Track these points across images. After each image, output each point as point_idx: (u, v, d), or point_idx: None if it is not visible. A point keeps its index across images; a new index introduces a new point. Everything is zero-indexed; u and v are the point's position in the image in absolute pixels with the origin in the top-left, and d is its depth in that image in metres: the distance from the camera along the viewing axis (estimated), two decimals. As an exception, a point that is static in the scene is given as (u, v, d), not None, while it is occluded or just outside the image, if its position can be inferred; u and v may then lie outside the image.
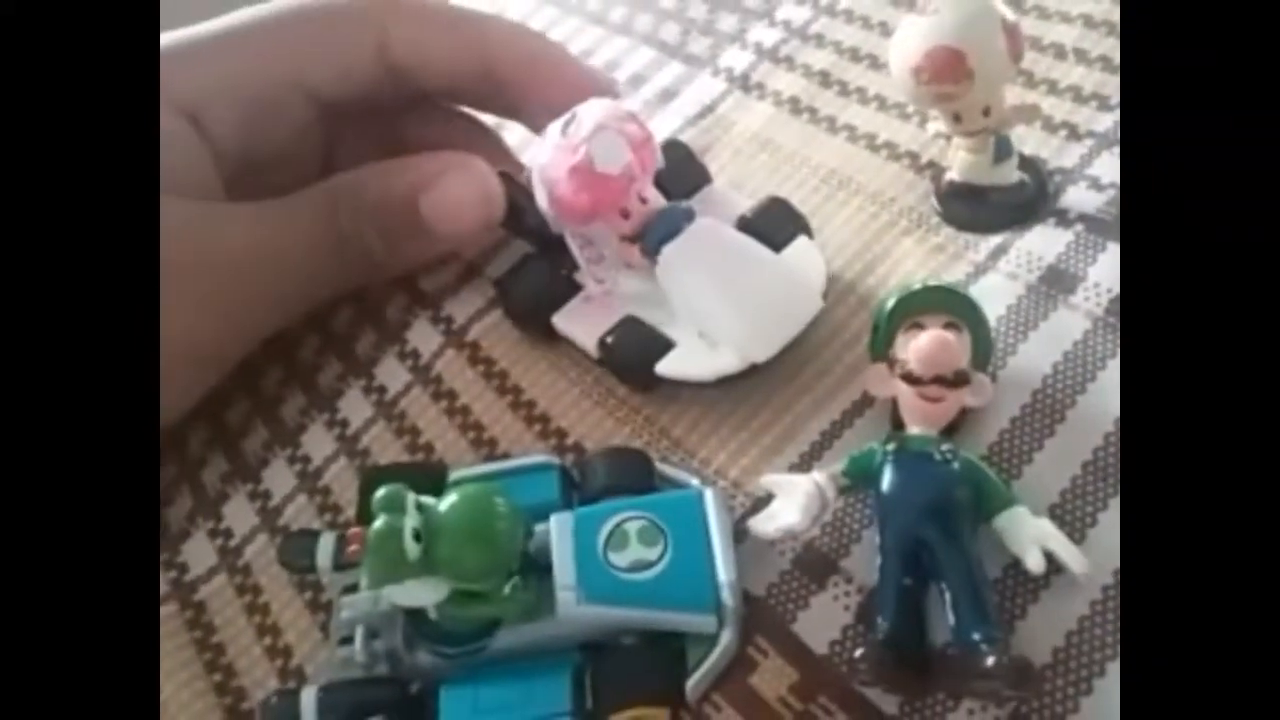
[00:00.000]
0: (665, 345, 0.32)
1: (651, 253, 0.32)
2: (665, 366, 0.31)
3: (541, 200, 0.32)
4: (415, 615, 0.26)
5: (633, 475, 0.29)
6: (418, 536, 0.23)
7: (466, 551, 0.23)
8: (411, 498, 0.24)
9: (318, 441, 0.36)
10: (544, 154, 0.31)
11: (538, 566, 0.26)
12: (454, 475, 0.30)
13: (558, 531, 0.26)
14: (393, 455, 0.34)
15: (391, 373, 0.37)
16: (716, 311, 0.31)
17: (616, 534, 0.26)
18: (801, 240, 0.33)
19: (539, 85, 0.38)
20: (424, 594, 0.24)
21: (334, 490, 0.34)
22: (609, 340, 0.32)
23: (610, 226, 0.32)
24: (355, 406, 0.37)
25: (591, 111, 0.31)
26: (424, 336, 0.38)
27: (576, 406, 0.33)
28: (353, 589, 0.27)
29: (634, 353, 0.32)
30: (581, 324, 0.34)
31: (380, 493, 0.23)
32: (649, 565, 0.25)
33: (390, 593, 0.24)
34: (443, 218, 0.33)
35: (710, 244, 0.32)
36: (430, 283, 0.39)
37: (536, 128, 0.36)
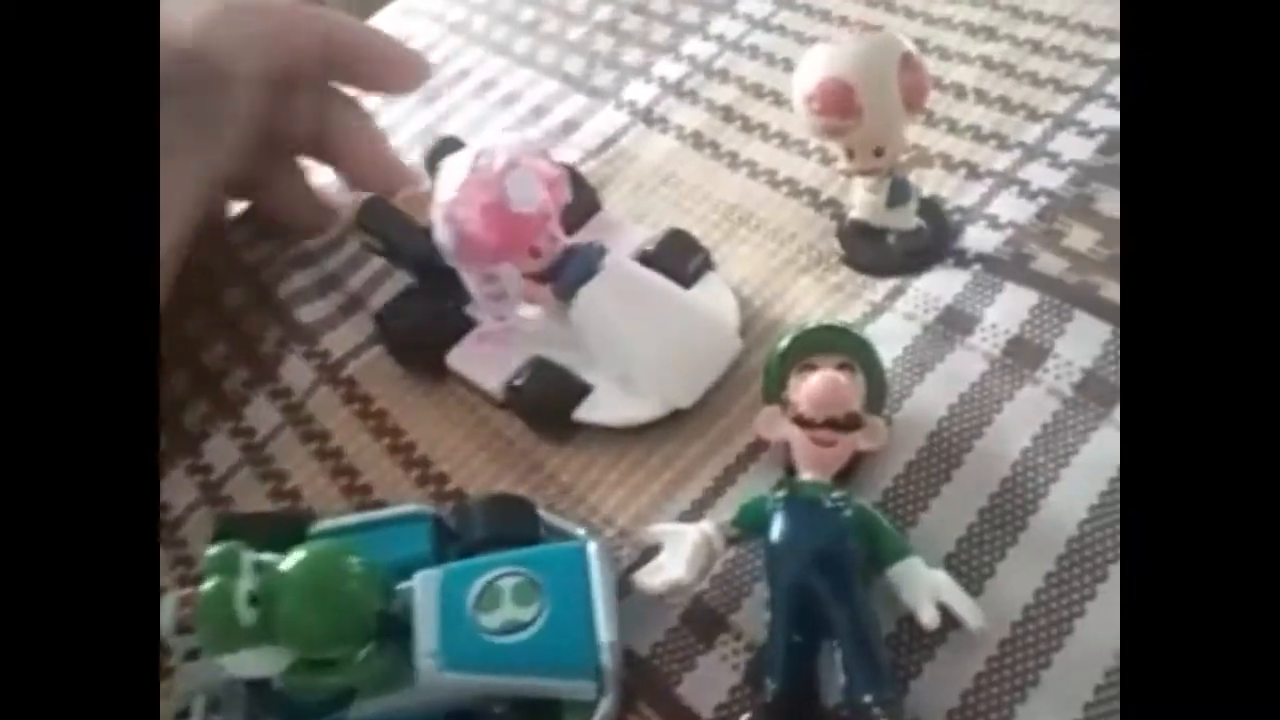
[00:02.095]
0: (581, 389, 0.30)
1: (566, 294, 0.30)
2: (585, 413, 0.30)
3: (444, 236, 0.29)
4: (258, 686, 0.23)
5: (514, 525, 0.27)
6: (254, 600, 0.21)
7: (309, 616, 0.21)
8: (248, 557, 0.21)
9: (178, 489, 0.33)
10: (449, 189, 0.28)
11: (401, 629, 0.24)
12: (317, 527, 0.27)
13: (422, 591, 0.24)
14: (255, 503, 0.32)
15: (261, 414, 0.34)
16: (638, 356, 0.29)
17: (488, 592, 0.24)
18: (710, 276, 0.32)
19: (365, 60, 0.38)
20: (262, 664, 0.21)
21: (190, 543, 0.31)
22: (519, 383, 0.30)
23: (518, 265, 0.30)
24: (221, 451, 0.34)
25: (503, 147, 0.29)
26: (297, 373, 0.35)
27: (460, 450, 0.31)
28: (195, 655, 0.25)
29: (549, 397, 0.30)
30: (481, 364, 0.32)
31: (211, 551, 0.21)
32: (523, 626, 0.23)
33: (226, 662, 0.21)
34: None
35: (627, 284, 0.30)
36: (308, 314, 0.37)
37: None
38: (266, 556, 0.23)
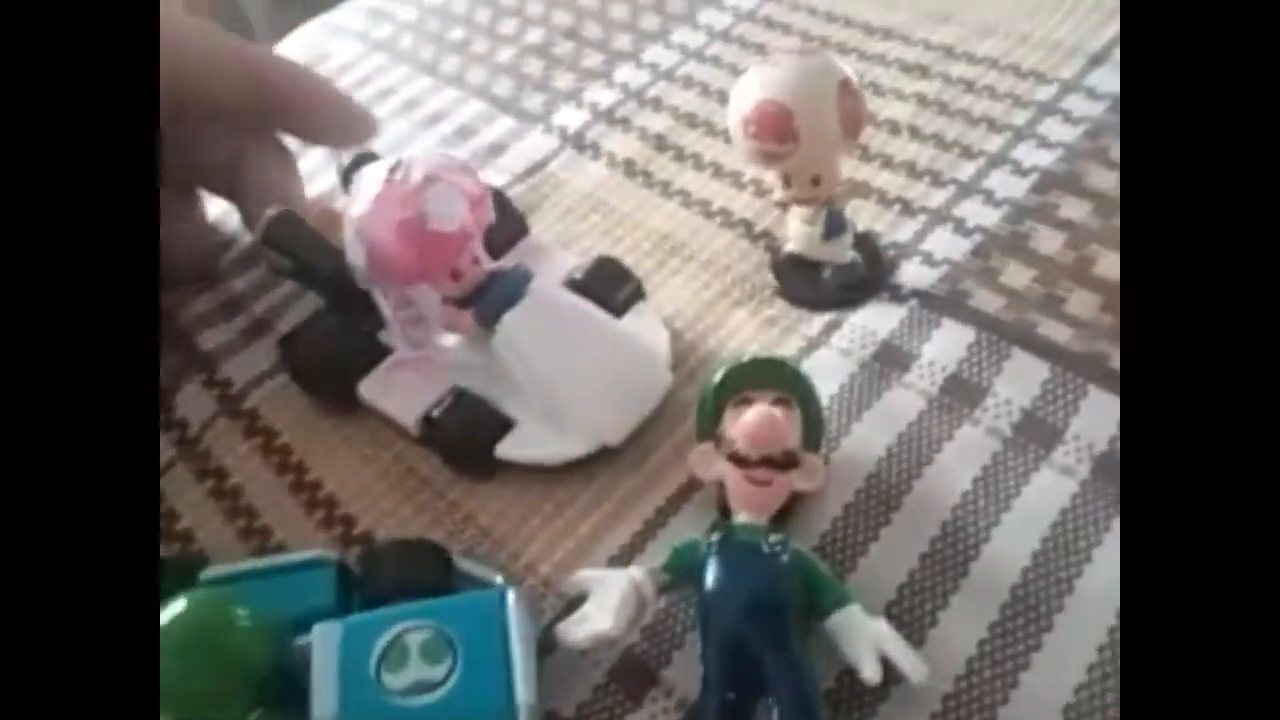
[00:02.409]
0: (504, 423, 0.28)
1: (488, 321, 0.28)
2: (508, 449, 0.28)
3: (357, 255, 0.27)
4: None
5: (425, 573, 0.24)
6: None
7: (187, 676, 0.18)
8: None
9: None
10: (364, 203, 0.26)
11: (297, 690, 0.21)
12: (208, 573, 0.25)
13: (320, 646, 0.21)
14: (142, 546, 0.29)
15: (153, 446, 0.32)
16: (565, 388, 0.27)
17: (395, 648, 0.21)
18: (641, 306, 0.31)
19: (305, 112, 0.35)
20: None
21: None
22: (436, 416, 0.28)
23: (437, 288, 0.28)
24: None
25: (421, 160, 0.27)
26: (195, 403, 0.32)
27: (370, 489, 0.29)
28: None
29: (469, 432, 0.28)
30: (396, 395, 0.30)
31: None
32: (432, 686, 0.21)
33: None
34: None
35: (554, 314, 0.28)
36: (208, 340, 0.34)
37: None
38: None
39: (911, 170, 0.35)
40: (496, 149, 0.41)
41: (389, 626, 0.22)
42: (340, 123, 0.35)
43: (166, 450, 0.31)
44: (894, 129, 0.37)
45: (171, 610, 0.19)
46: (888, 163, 0.36)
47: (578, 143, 0.41)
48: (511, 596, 0.23)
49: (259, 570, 0.25)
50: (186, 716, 0.19)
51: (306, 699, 0.21)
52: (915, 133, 0.37)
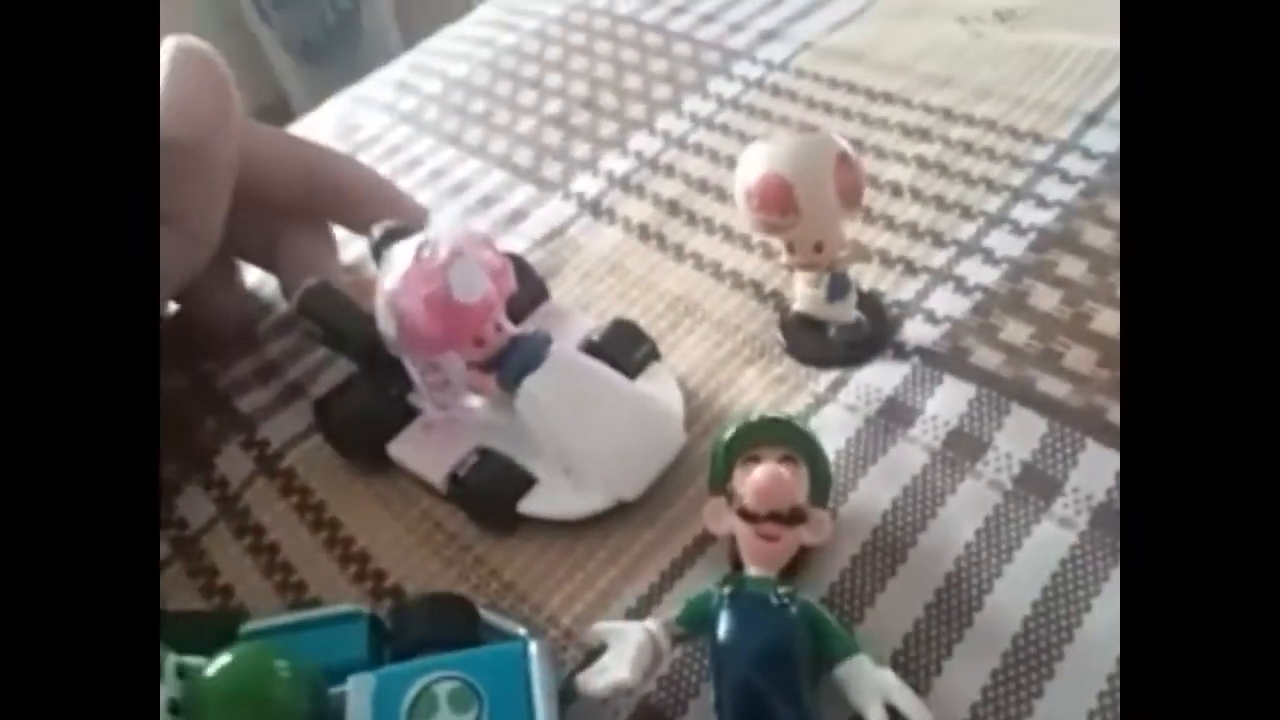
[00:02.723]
0: (526, 481, 0.29)
1: (510, 384, 0.29)
2: (530, 505, 0.29)
3: (387, 325, 0.29)
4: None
5: (453, 626, 0.26)
6: (175, 709, 0.19)
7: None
8: (172, 661, 0.20)
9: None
10: (394, 279, 0.28)
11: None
12: (248, 627, 0.26)
13: (354, 697, 0.23)
14: (185, 600, 0.30)
15: (194, 504, 0.33)
16: (584, 447, 0.29)
17: (424, 698, 0.23)
18: (656, 367, 0.33)
19: (355, 204, 0.38)
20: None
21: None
22: (462, 474, 0.30)
23: (462, 355, 0.30)
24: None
25: (447, 237, 0.29)
26: (234, 463, 0.34)
27: (399, 544, 0.30)
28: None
29: (493, 489, 0.30)
30: (424, 454, 0.31)
31: (131, 657, 0.19)
32: (464, 729, 0.22)
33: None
34: None
35: (573, 376, 0.30)
36: (247, 403, 0.36)
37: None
38: (191, 660, 0.22)
39: (913, 231, 0.37)
40: (518, 216, 0.44)
41: (419, 677, 0.23)
42: (390, 215, 0.35)
43: (208, 508, 0.33)
44: (896, 191, 0.39)
45: (219, 663, 0.21)
46: (890, 224, 0.38)
47: (594, 209, 0.43)
48: (534, 648, 0.24)
49: (296, 624, 0.26)
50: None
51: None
52: (916, 194, 0.39)
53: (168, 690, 0.19)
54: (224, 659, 0.20)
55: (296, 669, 0.21)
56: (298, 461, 0.34)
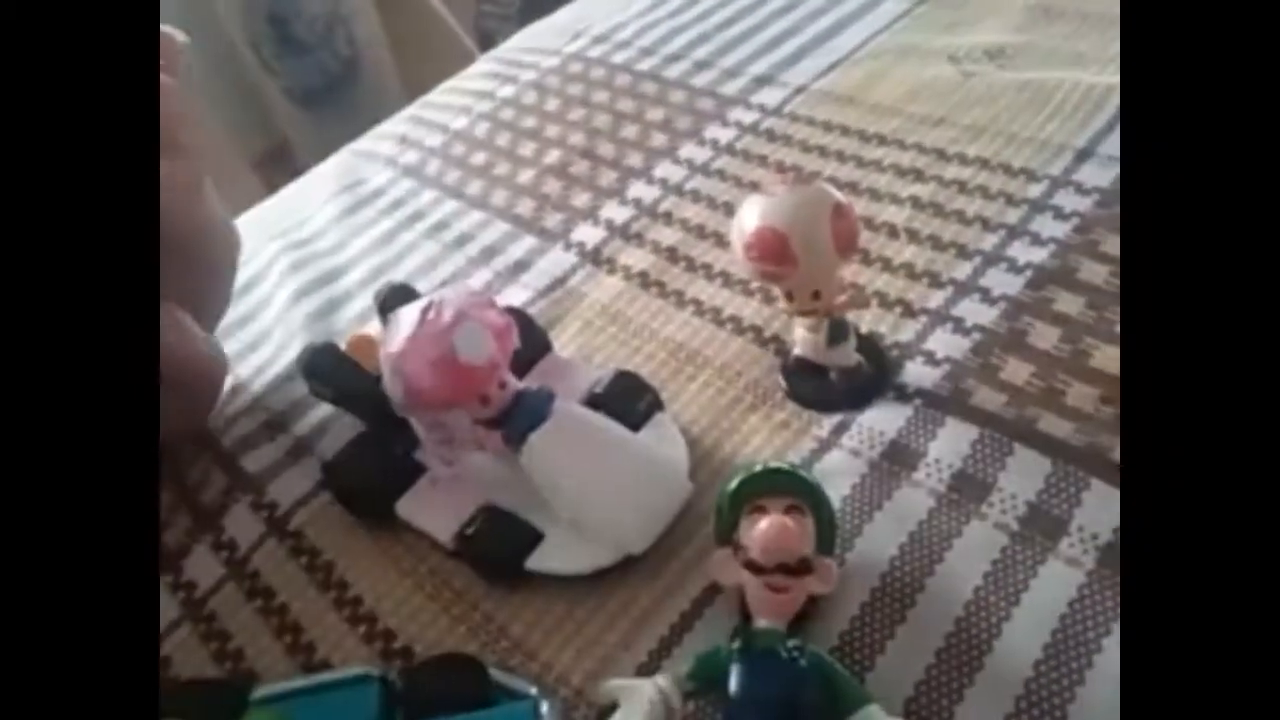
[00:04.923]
0: (533, 536, 0.30)
1: (515, 441, 0.30)
2: (538, 562, 0.29)
3: (394, 387, 0.29)
4: None
5: (464, 687, 0.26)
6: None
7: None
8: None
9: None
10: (399, 341, 0.29)
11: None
12: (259, 693, 0.26)
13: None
14: (197, 664, 0.30)
15: (203, 566, 0.33)
16: (590, 501, 0.29)
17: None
18: (660, 417, 0.33)
19: None
20: None
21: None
22: (470, 532, 0.30)
23: (468, 412, 0.30)
24: (161, 607, 0.33)
25: (451, 299, 0.29)
26: (243, 525, 0.34)
27: (408, 603, 0.30)
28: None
29: (500, 546, 0.30)
30: (431, 512, 0.32)
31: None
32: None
33: None
34: None
35: (577, 430, 0.30)
36: (253, 462, 0.36)
37: None
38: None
39: (910, 272, 0.37)
40: (520, 267, 0.44)
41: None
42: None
43: (216, 569, 0.33)
44: (892, 232, 0.39)
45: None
46: (887, 265, 0.38)
47: (595, 258, 0.43)
48: (545, 708, 0.24)
49: (307, 688, 0.26)
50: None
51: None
52: (912, 235, 0.39)
53: None
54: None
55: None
56: (306, 522, 0.34)
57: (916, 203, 0.41)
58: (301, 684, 0.27)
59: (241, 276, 0.49)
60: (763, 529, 0.25)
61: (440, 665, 0.26)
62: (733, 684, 0.24)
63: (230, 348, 0.44)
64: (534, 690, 0.26)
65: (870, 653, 0.26)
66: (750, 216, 0.30)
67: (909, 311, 0.36)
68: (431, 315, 0.28)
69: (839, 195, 0.30)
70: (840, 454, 0.31)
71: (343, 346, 0.34)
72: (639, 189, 0.47)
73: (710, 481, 0.31)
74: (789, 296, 0.31)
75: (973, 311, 0.35)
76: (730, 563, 0.26)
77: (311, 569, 0.32)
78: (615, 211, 0.46)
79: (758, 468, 0.27)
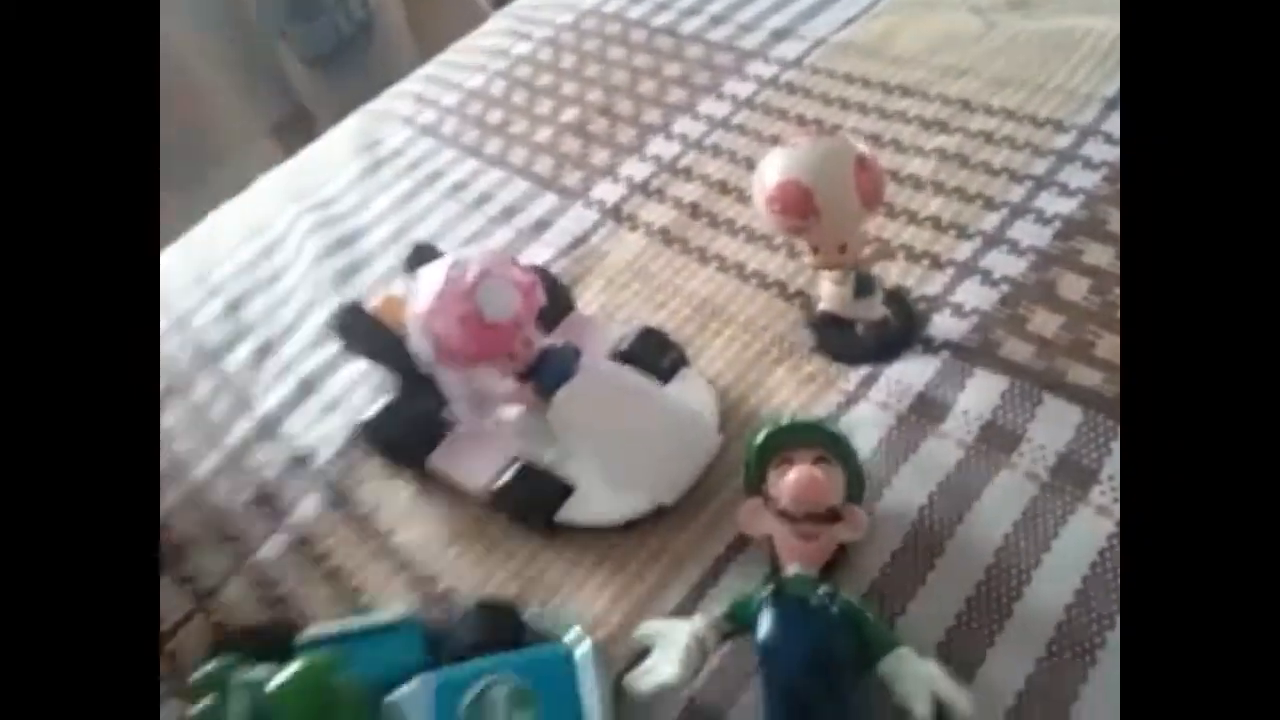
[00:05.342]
0: (564, 489, 0.30)
1: (545, 394, 0.30)
2: (569, 513, 0.30)
3: (421, 345, 0.30)
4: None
5: (503, 631, 0.26)
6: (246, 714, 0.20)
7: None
8: (239, 676, 0.21)
9: (166, 601, 0.33)
10: (426, 300, 0.29)
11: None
12: (306, 635, 0.27)
13: (414, 702, 0.23)
14: (247, 613, 0.31)
15: (250, 521, 0.34)
16: (620, 454, 0.30)
17: (480, 701, 0.23)
18: (686, 372, 0.33)
19: None
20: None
21: (176, 656, 0.31)
22: (500, 485, 0.31)
23: (496, 369, 0.31)
24: (211, 560, 0.34)
25: (477, 259, 0.29)
26: (287, 481, 0.35)
27: (447, 551, 0.31)
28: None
29: (531, 499, 0.30)
30: (464, 465, 0.32)
31: (199, 673, 0.20)
32: (520, 727, 0.23)
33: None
34: None
35: (604, 386, 0.31)
36: (292, 421, 0.37)
37: None
38: (257, 672, 0.22)
39: (937, 224, 0.37)
40: (541, 225, 0.44)
41: (475, 681, 0.24)
42: None
43: (264, 525, 0.34)
44: (917, 184, 0.39)
45: (283, 677, 0.21)
46: (913, 218, 0.38)
47: (616, 215, 0.43)
48: (583, 650, 0.25)
49: (352, 632, 0.27)
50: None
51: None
52: (939, 187, 0.39)
53: (237, 706, 0.20)
54: (289, 672, 0.21)
55: (356, 679, 0.22)
56: (346, 475, 0.35)
57: (942, 155, 0.40)
58: (347, 628, 0.27)
59: (263, 240, 0.50)
60: (792, 478, 0.25)
61: (480, 609, 0.27)
62: (764, 630, 0.24)
63: (256, 309, 0.45)
64: (573, 634, 0.26)
65: (901, 599, 0.26)
66: (772, 170, 0.30)
67: (936, 264, 0.35)
68: (456, 274, 0.29)
69: (862, 147, 0.29)
70: (868, 406, 0.31)
71: (370, 307, 0.35)
72: (658, 145, 0.46)
73: (738, 435, 0.31)
74: (814, 250, 0.31)
75: (1001, 263, 0.35)
76: (760, 512, 0.26)
77: (353, 519, 0.33)
78: (635, 168, 0.45)
79: (785, 420, 0.27)
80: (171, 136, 0.52)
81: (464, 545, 0.31)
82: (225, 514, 0.35)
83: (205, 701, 0.20)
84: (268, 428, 0.38)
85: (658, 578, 0.28)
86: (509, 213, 0.46)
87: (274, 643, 0.26)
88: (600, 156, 0.47)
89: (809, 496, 0.25)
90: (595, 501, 0.30)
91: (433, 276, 0.29)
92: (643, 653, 0.25)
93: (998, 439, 0.29)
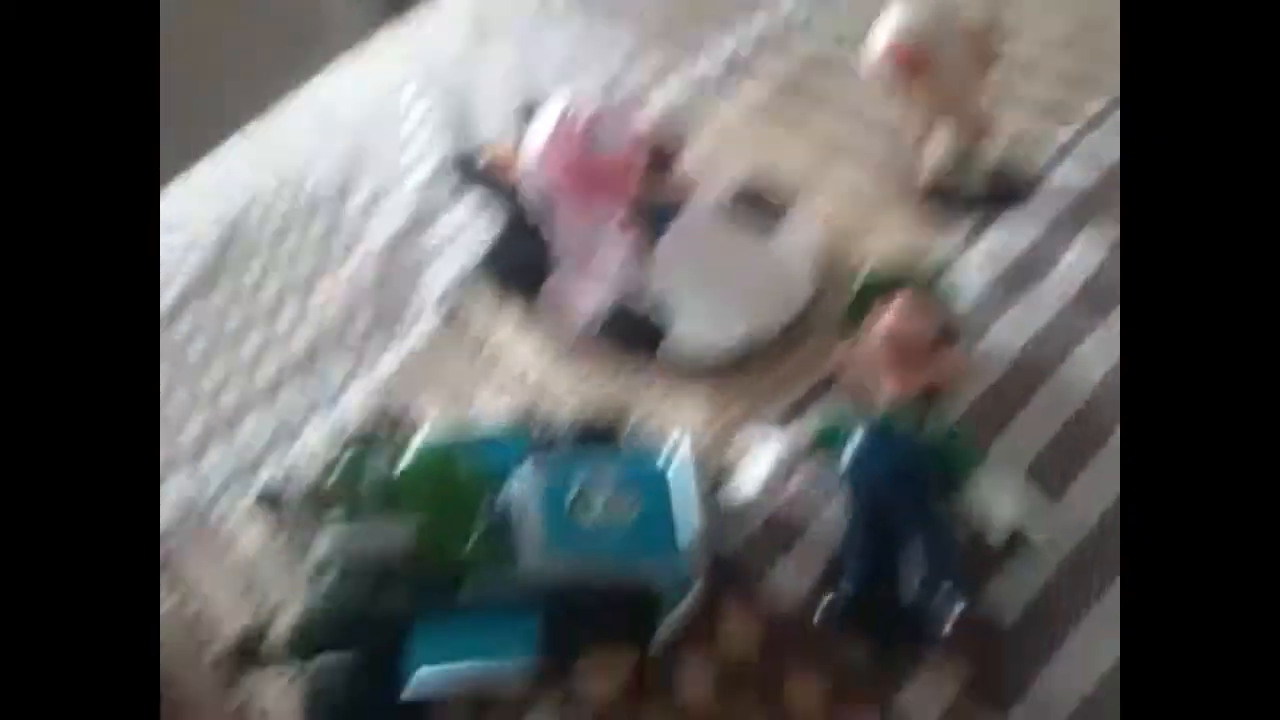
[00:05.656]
0: (664, 326, 0.32)
1: (650, 239, 0.32)
2: (668, 348, 0.31)
3: (535, 187, 0.31)
4: (385, 560, 0.25)
5: (606, 438, 0.28)
6: (379, 489, 0.23)
7: (425, 508, 0.23)
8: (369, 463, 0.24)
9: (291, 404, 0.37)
10: (537, 143, 0.30)
11: (506, 525, 0.26)
12: (422, 441, 0.29)
13: (523, 489, 0.25)
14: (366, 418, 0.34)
15: (376, 343, 0.38)
16: (718, 294, 0.31)
17: (585, 492, 0.26)
18: (791, 218, 0.34)
19: None
20: (391, 535, 0.24)
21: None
22: (606, 320, 0.32)
23: (604, 211, 0.32)
24: (334, 368, 0.37)
25: (587, 102, 0.31)
26: (405, 309, 0.38)
27: (551, 375, 0.33)
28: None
29: (636, 330, 0.32)
30: (571, 300, 0.34)
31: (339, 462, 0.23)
32: (620, 519, 0.25)
33: (356, 532, 0.24)
34: None
35: (708, 232, 0.32)
36: (407, 255, 0.40)
37: None
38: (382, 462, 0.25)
39: (1063, 78, 0.36)
40: (659, 73, 0.44)
41: (579, 475, 0.26)
42: None
43: (387, 341, 0.37)
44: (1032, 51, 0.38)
45: (408, 460, 0.24)
46: (1032, 71, 0.37)
47: (733, 66, 0.43)
48: (682, 453, 0.27)
49: (466, 442, 0.29)
50: (426, 540, 0.24)
51: (510, 529, 0.25)
52: (1070, 41, 0.37)
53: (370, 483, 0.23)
54: (412, 459, 0.24)
55: (476, 465, 0.24)
56: (461, 301, 0.37)
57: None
58: (460, 437, 0.30)
59: (378, 88, 0.51)
60: (892, 312, 0.26)
61: (584, 420, 0.29)
62: (854, 451, 0.25)
63: (376, 150, 0.47)
64: (672, 438, 0.27)
65: (992, 429, 0.27)
66: (887, 25, 0.30)
67: (1057, 117, 0.35)
68: (569, 116, 0.30)
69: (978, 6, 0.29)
70: (974, 254, 0.31)
71: (482, 162, 0.36)
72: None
73: (839, 276, 0.32)
74: (924, 106, 0.31)
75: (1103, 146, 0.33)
76: (858, 351, 0.27)
77: (465, 342, 0.35)
78: (755, 21, 0.45)
79: (890, 261, 0.28)
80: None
81: (568, 368, 0.33)
82: (361, 338, 0.38)
83: (349, 456, 0.23)
84: (388, 257, 0.40)
85: (749, 404, 0.30)
86: (627, 61, 0.46)
87: (389, 445, 0.28)
88: (718, 5, 0.47)
89: (908, 327, 0.26)
90: (692, 337, 0.31)
91: (546, 120, 0.31)
92: (732, 468, 0.27)
93: (1099, 295, 0.29)
